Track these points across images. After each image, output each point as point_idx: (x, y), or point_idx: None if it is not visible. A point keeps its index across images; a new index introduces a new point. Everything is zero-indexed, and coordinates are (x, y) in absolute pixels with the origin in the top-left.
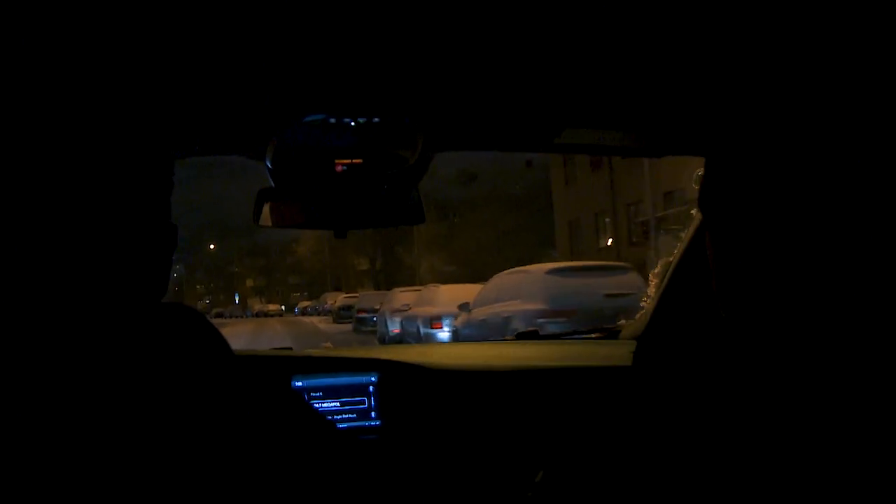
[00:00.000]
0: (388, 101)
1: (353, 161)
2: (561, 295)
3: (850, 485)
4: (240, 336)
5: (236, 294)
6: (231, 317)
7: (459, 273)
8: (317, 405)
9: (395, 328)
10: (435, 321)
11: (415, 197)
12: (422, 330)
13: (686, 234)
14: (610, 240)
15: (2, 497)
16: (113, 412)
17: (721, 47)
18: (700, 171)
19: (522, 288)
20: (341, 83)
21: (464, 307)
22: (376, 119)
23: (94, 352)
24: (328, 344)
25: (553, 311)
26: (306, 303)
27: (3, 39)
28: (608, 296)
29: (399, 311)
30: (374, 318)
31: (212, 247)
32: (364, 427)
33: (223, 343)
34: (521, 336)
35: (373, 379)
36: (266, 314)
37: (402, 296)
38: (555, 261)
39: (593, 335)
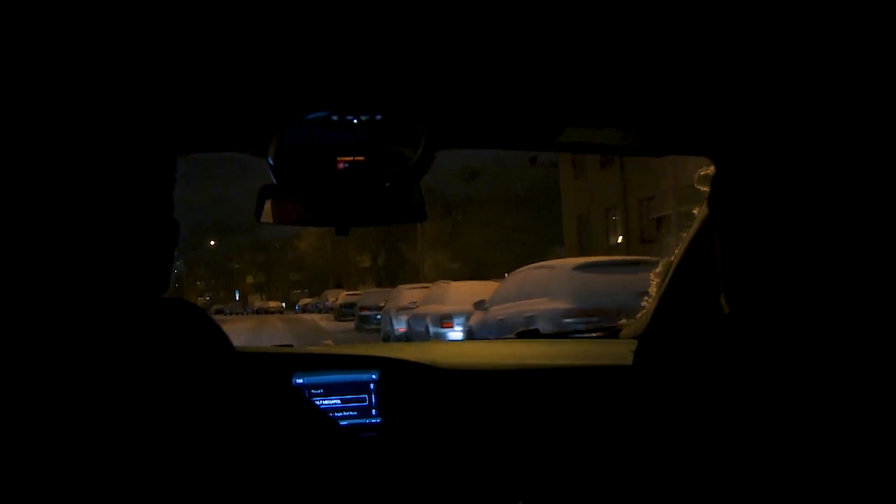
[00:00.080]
0: (391, 98)
1: (356, 158)
2: (590, 293)
3: (852, 483)
4: (240, 333)
5: (237, 291)
6: (231, 313)
7: (463, 270)
8: (318, 402)
9: (400, 327)
10: (445, 320)
11: (417, 194)
12: (431, 329)
13: (687, 234)
14: (620, 237)
15: (2, 495)
16: (114, 407)
17: (725, 47)
18: (704, 171)
19: (547, 285)
20: (344, 80)
21: (479, 305)
22: (378, 116)
23: (96, 346)
24: (329, 342)
25: (581, 310)
26: (307, 300)
27: (6, 38)
28: (641, 294)
29: (405, 309)
30: (378, 317)
31: (212, 243)
32: (365, 424)
33: (224, 339)
34: (522, 335)
35: (374, 376)
36: (266, 311)
37: (409, 293)
38: (560, 258)
39: (594, 334)
